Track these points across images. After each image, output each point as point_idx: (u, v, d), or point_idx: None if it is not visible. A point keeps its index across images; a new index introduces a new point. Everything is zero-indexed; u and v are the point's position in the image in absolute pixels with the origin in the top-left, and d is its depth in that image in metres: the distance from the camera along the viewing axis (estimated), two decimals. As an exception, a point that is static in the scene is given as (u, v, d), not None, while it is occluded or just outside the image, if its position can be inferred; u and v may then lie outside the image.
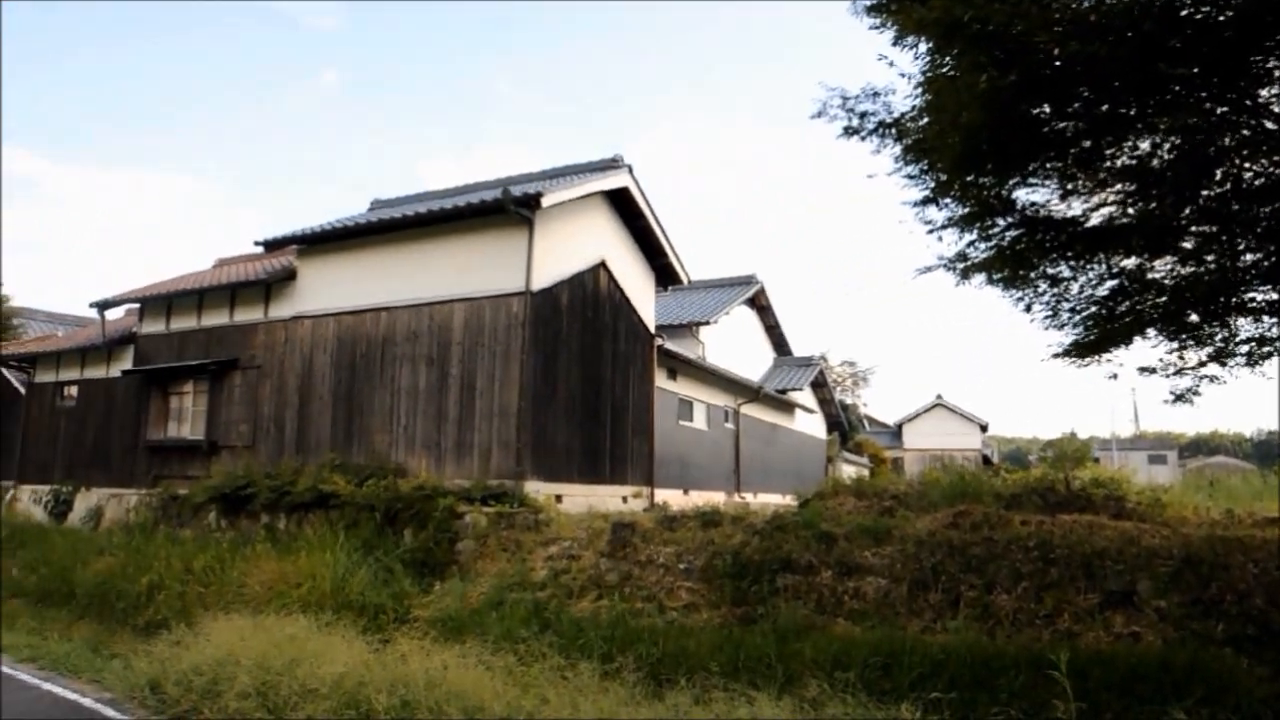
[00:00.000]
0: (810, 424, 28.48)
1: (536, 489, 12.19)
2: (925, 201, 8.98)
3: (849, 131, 8.84)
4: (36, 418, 20.82)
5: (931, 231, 9.19)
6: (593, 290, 14.37)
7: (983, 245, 8.98)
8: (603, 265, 14.68)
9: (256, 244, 15.70)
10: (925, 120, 8.28)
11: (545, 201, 12.38)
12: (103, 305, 18.18)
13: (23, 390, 21.61)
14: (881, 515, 9.62)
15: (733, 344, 23.10)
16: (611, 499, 14.12)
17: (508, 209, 12.25)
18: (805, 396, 27.39)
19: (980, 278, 9.32)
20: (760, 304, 26.51)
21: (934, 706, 6.03)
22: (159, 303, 17.53)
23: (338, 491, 12.41)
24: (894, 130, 8.61)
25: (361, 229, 14.33)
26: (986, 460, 39.83)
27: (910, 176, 8.86)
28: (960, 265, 9.19)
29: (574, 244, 13.86)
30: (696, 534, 9.71)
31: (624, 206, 15.37)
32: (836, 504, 10.55)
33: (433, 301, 13.34)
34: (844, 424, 32.39)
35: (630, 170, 14.97)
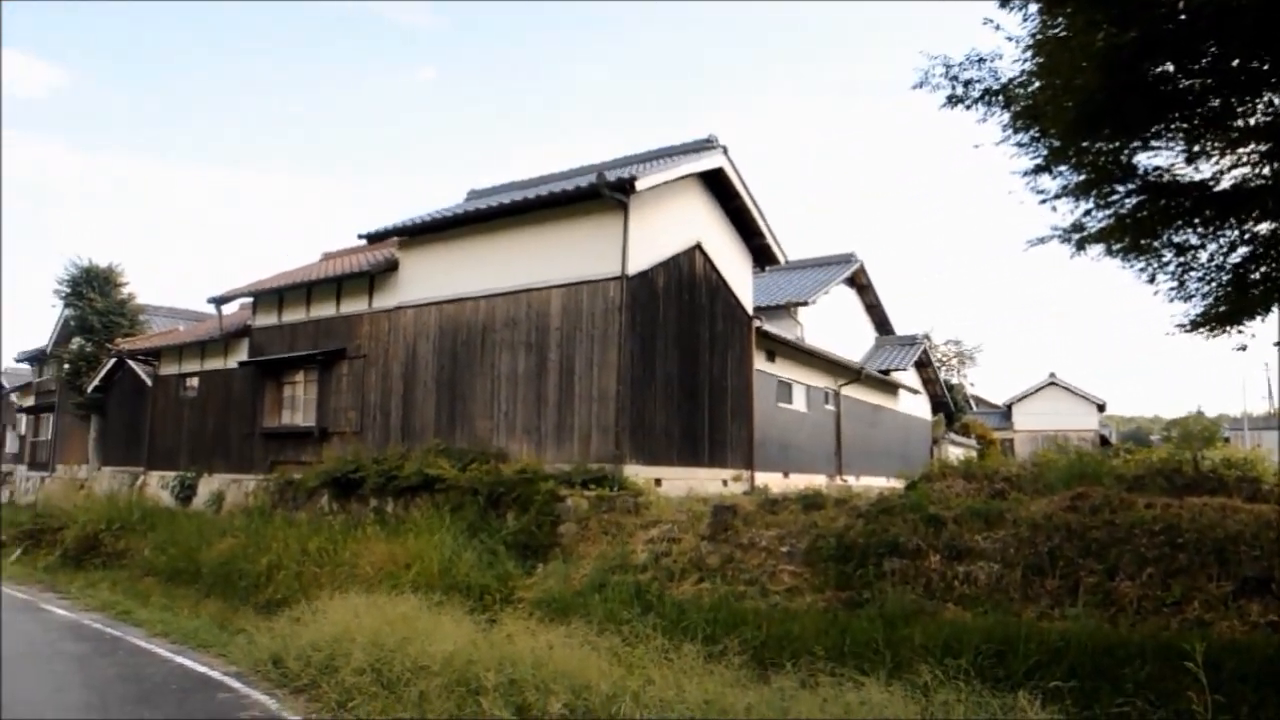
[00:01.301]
0: (914, 405, 27.73)
1: (636, 472, 12.20)
2: (1037, 170, 8.59)
3: (953, 101, 8.52)
4: (162, 408, 22.02)
5: (1044, 201, 8.81)
6: (689, 273, 14.26)
7: (1101, 214, 8.53)
8: (698, 247, 14.55)
9: (360, 237, 16.16)
10: (1036, 85, 7.91)
11: (640, 185, 12.32)
12: (219, 300, 19.05)
13: (149, 382, 22.86)
14: (993, 498, 9.29)
15: (832, 324, 22.64)
16: (711, 482, 14.03)
17: (603, 194, 12.25)
18: (909, 377, 26.66)
19: (1098, 248, 8.87)
20: (860, 283, 25.91)
21: (1053, 696, 5.79)
22: (270, 296, 18.25)
23: (443, 475, 12.69)
24: (1001, 97, 8.25)
25: (459, 219, 14.56)
26: (1104, 441, 38.12)
27: (1020, 145, 8.48)
28: (1076, 236, 8.76)
29: (669, 227, 13.77)
30: (799, 517, 9.57)
31: (719, 187, 15.18)
32: (944, 486, 10.24)
33: (530, 288, 13.46)
34: (949, 405, 31.42)
35: (725, 150, 14.77)
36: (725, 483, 14.59)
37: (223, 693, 7.68)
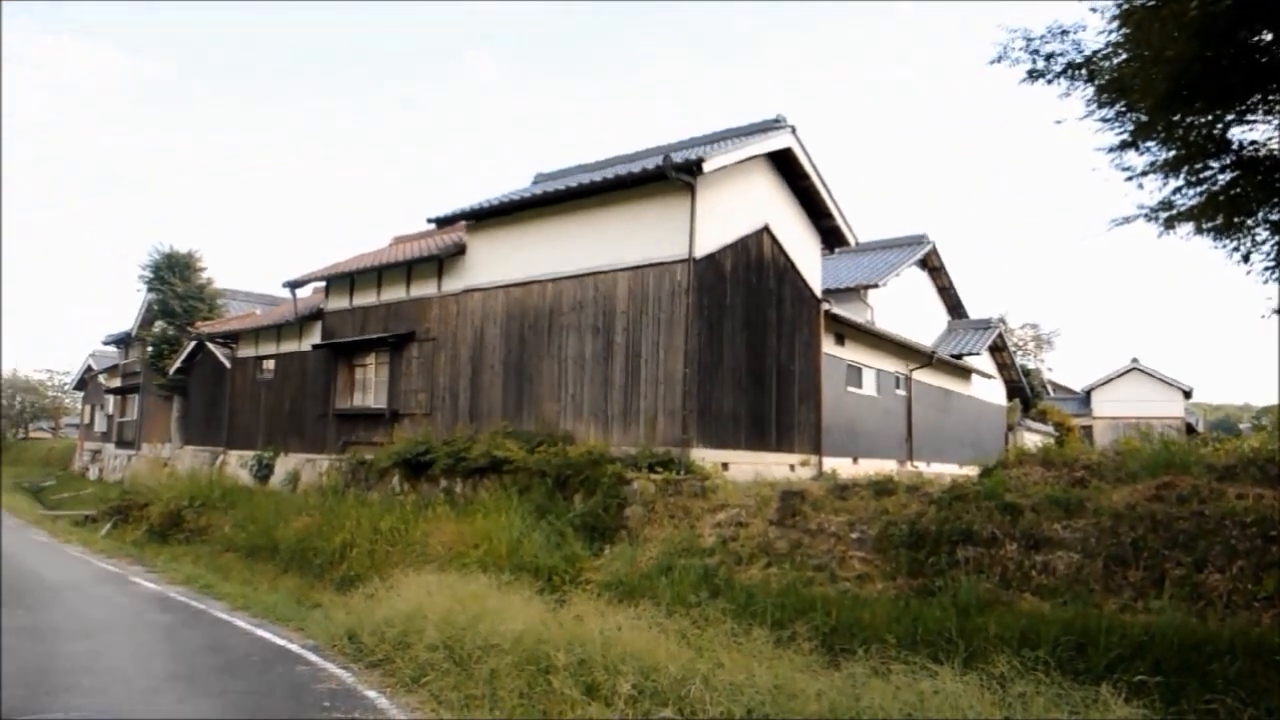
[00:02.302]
0: (988, 390, 27.07)
1: (702, 456, 12.14)
2: (1123, 146, 8.30)
3: (1033, 75, 8.29)
4: (240, 389, 22.70)
5: (1131, 179, 8.51)
6: (756, 255, 14.09)
7: (1191, 191, 8.20)
8: (766, 229, 14.36)
9: (428, 221, 16.36)
10: (1123, 57, 7.63)
11: (707, 167, 12.19)
12: (293, 284, 19.49)
13: (228, 364, 23.56)
14: (1073, 486, 8.98)
15: (903, 307, 22.19)
16: (778, 467, 13.90)
17: (669, 176, 12.15)
18: (983, 361, 26.02)
19: (1188, 227, 8.53)
20: (932, 265, 25.34)
21: (1137, 690, 5.60)
22: (342, 280, 18.61)
23: (510, 457, 12.81)
24: (1085, 70, 7.99)
25: (526, 202, 14.62)
26: (1190, 429, 36.68)
27: (1105, 120, 8.21)
28: (1164, 214, 8.44)
29: (736, 208, 13.61)
30: (869, 503, 9.42)
31: (787, 168, 14.96)
32: (1021, 474, 9.94)
33: (597, 271, 13.46)
34: (1026, 390, 30.53)
35: (793, 130, 14.52)
36: (793, 467, 14.44)
37: (301, 665, 7.89)
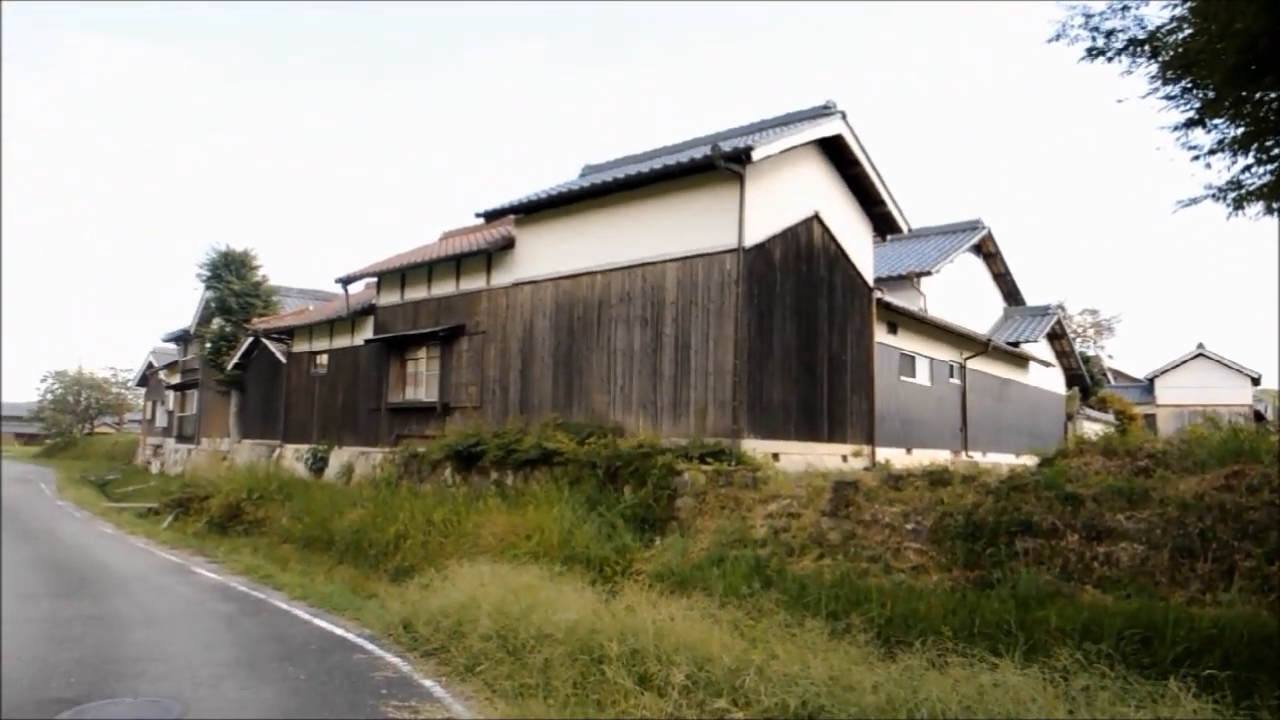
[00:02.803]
0: (1046, 378, 26.48)
1: (753, 447, 12.05)
2: (1190, 124, 8.01)
3: (1093, 53, 8.03)
4: (295, 384, 23.11)
5: (1197, 158, 8.21)
6: (807, 243, 13.93)
7: (1261, 169, 7.90)
8: (816, 217, 14.18)
9: (477, 215, 16.45)
10: (1188, 31, 7.35)
11: (756, 155, 12.06)
12: (346, 280, 19.77)
13: (283, 359, 24.00)
14: (1136, 475, 8.73)
15: (957, 294, 21.80)
16: (830, 457, 13.74)
17: (718, 165, 12.06)
18: (1040, 349, 25.44)
19: (1257, 207, 8.22)
20: (987, 251, 24.84)
21: (1206, 684, 5.42)
22: (393, 276, 18.83)
23: (561, 449, 12.85)
24: (1148, 47, 7.72)
25: (574, 195, 14.62)
26: (1259, 416, 35.55)
27: (1170, 97, 7.92)
28: (1233, 194, 8.13)
29: (786, 197, 13.46)
30: (924, 493, 9.26)
31: (837, 154, 14.75)
32: (1081, 463, 9.69)
33: (645, 262, 13.42)
34: (1085, 378, 29.76)
35: (843, 116, 14.30)
36: (845, 458, 14.27)
37: (358, 654, 8.00)
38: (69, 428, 60.43)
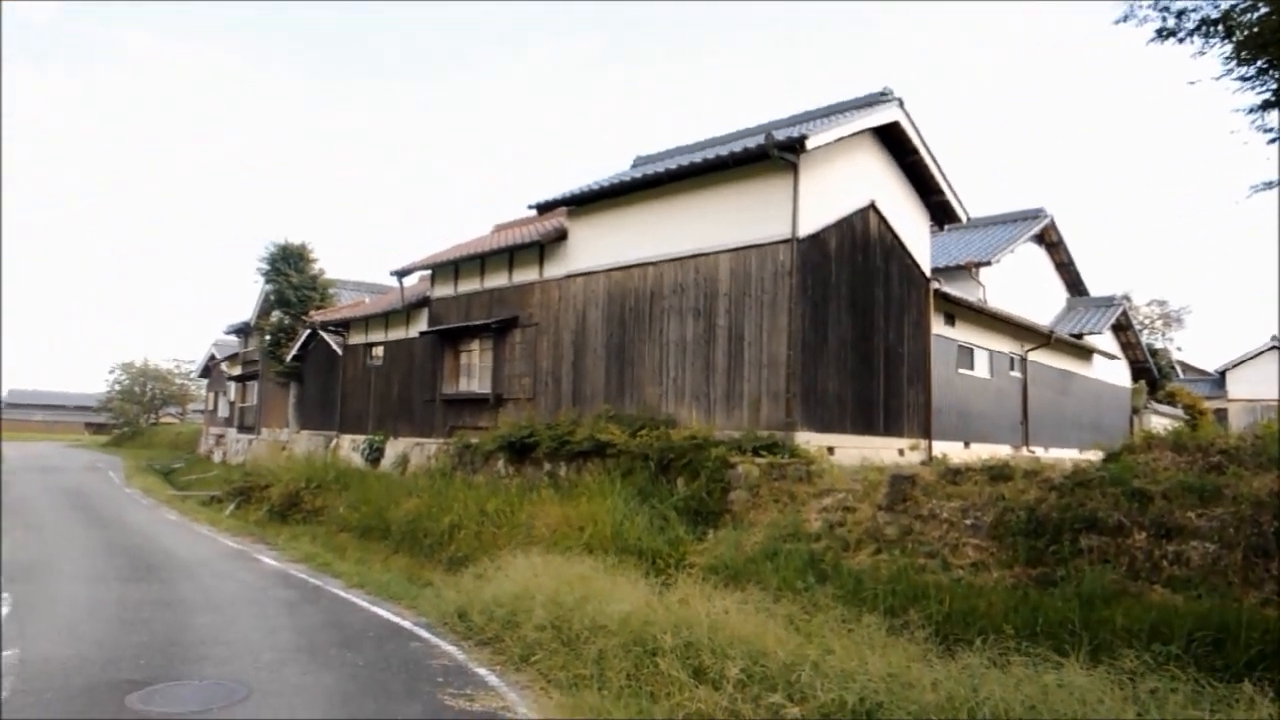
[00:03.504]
0: (1111, 371, 25.76)
1: (807, 440, 11.91)
2: (1265, 106, 7.72)
3: (1163, 34, 7.78)
4: (351, 375, 23.47)
5: (1273, 140, 7.87)
6: (862, 233, 13.70)
7: (1343, 152, 7.54)
8: (872, 206, 13.95)
9: (529, 207, 16.50)
10: (1263, 10, 7.04)
11: (810, 144, 11.89)
12: (401, 273, 20.00)
13: (340, 351, 24.38)
14: (1207, 472, 8.42)
15: (1018, 285, 21.27)
16: (885, 451, 13.53)
17: (771, 155, 11.91)
18: (1105, 341, 24.74)
19: (1336, 191, 7.86)
20: (1049, 240, 24.20)
21: (1284, 690, 5.21)
22: (447, 268, 18.99)
23: (613, 441, 12.84)
24: (1221, 27, 7.43)
25: (626, 186, 14.57)
26: (1339, 410, 34.16)
27: (1245, 79, 7.65)
28: (1311, 179, 7.79)
29: (841, 186, 13.26)
30: (984, 488, 9.04)
31: (894, 142, 14.48)
32: (1149, 459, 9.38)
33: (698, 253, 13.33)
34: (1152, 371, 28.84)
35: (900, 103, 14.03)
36: (901, 452, 14.04)
37: (414, 642, 8.08)
38: (135, 417, 62.32)
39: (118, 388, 63.02)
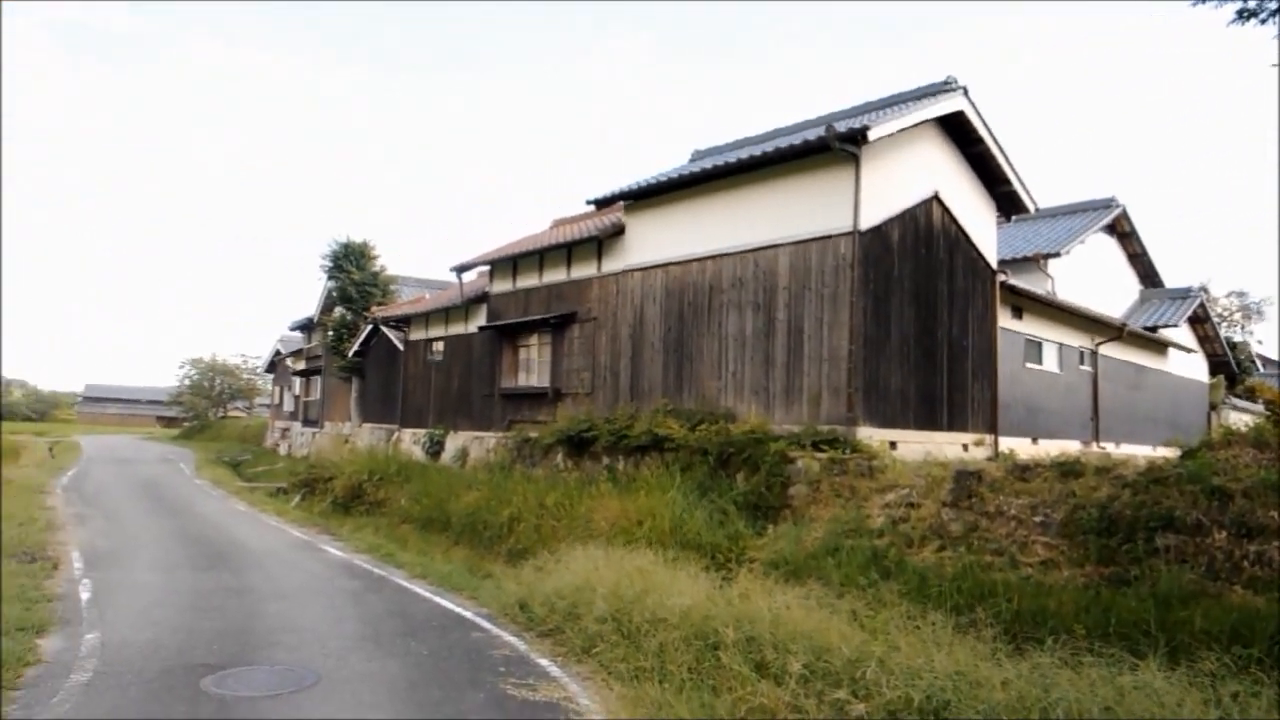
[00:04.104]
0: (1187, 366, 24.87)
1: (869, 435, 11.73)
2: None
3: (1244, 15, 7.48)
4: (412, 370, 23.81)
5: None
6: (925, 225, 13.44)
7: None
8: (936, 198, 13.67)
9: (587, 203, 16.54)
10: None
11: (872, 135, 11.68)
12: (460, 269, 20.21)
13: (400, 346, 24.75)
14: (1293, 469, 8.08)
15: (1088, 277, 20.65)
16: (949, 446, 13.27)
17: (832, 146, 11.74)
18: (1181, 334, 23.86)
19: None
20: (1121, 230, 23.45)
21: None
22: (506, 264, 19.14)
23: (672, 435, 12.80)
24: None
25: (683, 180, 14.51)
26: None
27: (1333, 61, 7.29)
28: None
29: (903, 177, 13.02)
30: (1053, 485, 8.80)
31: (958, 132, 14.16)
32: (1229, 455, 9.04)
33: (757, 247, 13.21)
34: (1231, 365, 27.75)
35: (965, 92, 13.71)
36: (966, 447, 13.75)
37: (476, 632, 8.16)
38: (204, 411, 64.19)
39: (188, 382, 65.05)
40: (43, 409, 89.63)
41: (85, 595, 9.21)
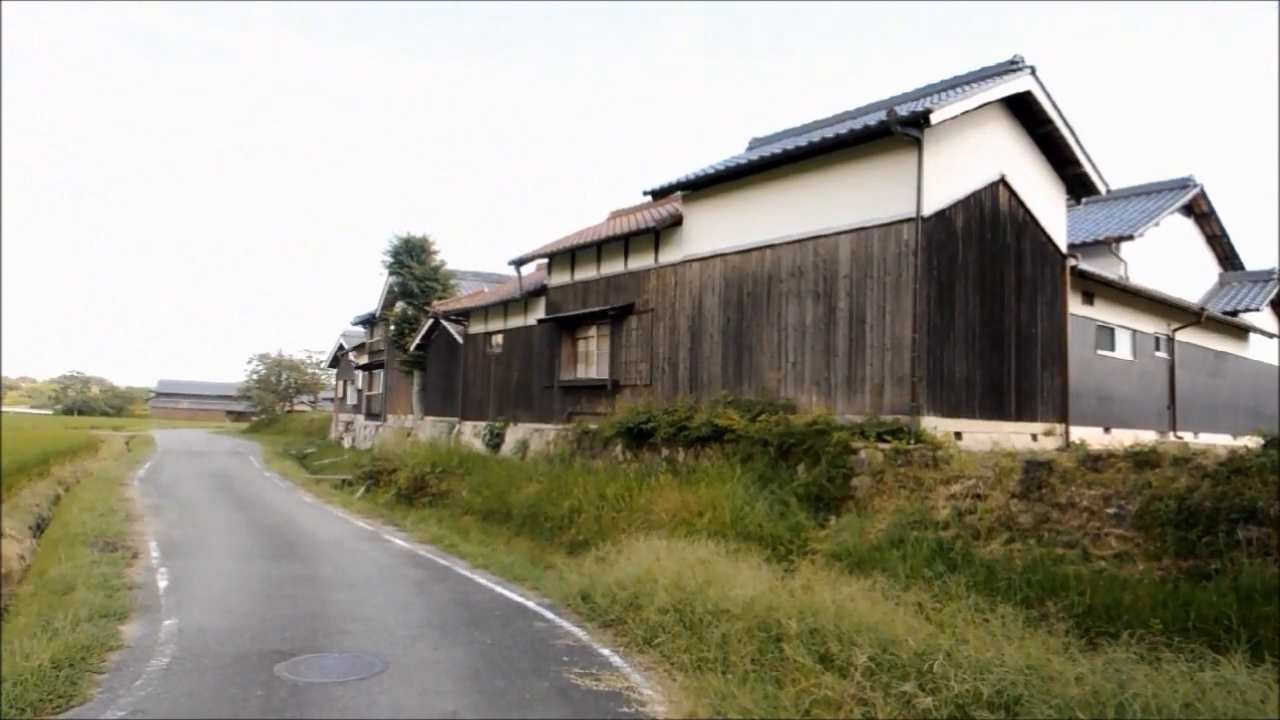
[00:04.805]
0: (1271, 351, 23.91)
1: (933, 425, 11.49)
2: None
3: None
4: (472, 363, 24.06)
5: None
6: (991, 210, 13.10)
7: None
8: (1002, 181, 13.31)
9: (644, 194, 16.47)
10: None
11: (934, 118, 11.40)
12: (518, 262, 20.35)
13: (460, 340, 25.03)
14: (1383, 459, 7.71)
15: (1163, 260, 19.90)
16: (1017, 436, 12.93)
17: (894, 131, 11.50)
18: (1264, 319, 22.87)
19: None
20: (1199, 211, 22.55)
21: None
22: (563, 256, 19.20)
23: (732, 426, 12.72)
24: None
25: (741, 169, 14.36)
26: None
27: None
28: None
29: (968, 161, 12.70)
30: (1127, 475, 8.52)
31: (1025, 113, 13.75)
32: (1316, 445, 8.68)
33: (817, 235, 13.02)
34: (1318, 350, 26.61)
35: (1033, 71, 13.30)
36: (1035, 437, 13.39)
37: (539, 622, 8.20)
38: (271, 405, 65.88)
39: (255, 377, 66.85)
40: (119, 404, 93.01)
41: (163, 583, 9.49)
